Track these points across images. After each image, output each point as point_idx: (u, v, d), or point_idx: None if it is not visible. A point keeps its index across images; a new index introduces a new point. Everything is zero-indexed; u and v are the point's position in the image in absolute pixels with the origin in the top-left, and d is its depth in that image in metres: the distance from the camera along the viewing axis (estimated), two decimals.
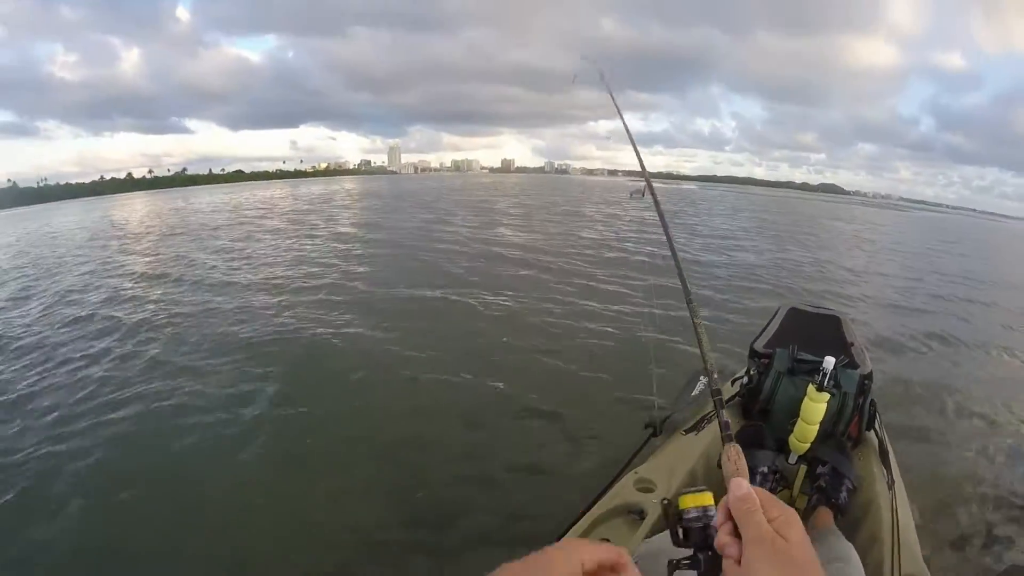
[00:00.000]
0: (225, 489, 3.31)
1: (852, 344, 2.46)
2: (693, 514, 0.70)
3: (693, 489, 0.72)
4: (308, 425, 4.08)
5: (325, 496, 3.23)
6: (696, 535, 0.69)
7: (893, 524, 1.64)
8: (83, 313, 7.32)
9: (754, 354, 2.38)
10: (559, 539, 1.58)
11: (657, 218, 1.54)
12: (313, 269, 10.06)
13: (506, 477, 3.39)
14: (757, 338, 2.53)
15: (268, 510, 3.10)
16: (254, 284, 8.77)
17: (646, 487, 1.79)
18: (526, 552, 0.58)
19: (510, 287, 8.30)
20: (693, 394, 2.36)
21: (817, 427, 1.87)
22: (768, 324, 2.74)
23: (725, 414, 0.88)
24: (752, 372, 2.35)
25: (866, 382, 2.10)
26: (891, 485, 1.87)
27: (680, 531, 0.71)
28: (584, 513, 1.71)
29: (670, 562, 0.74)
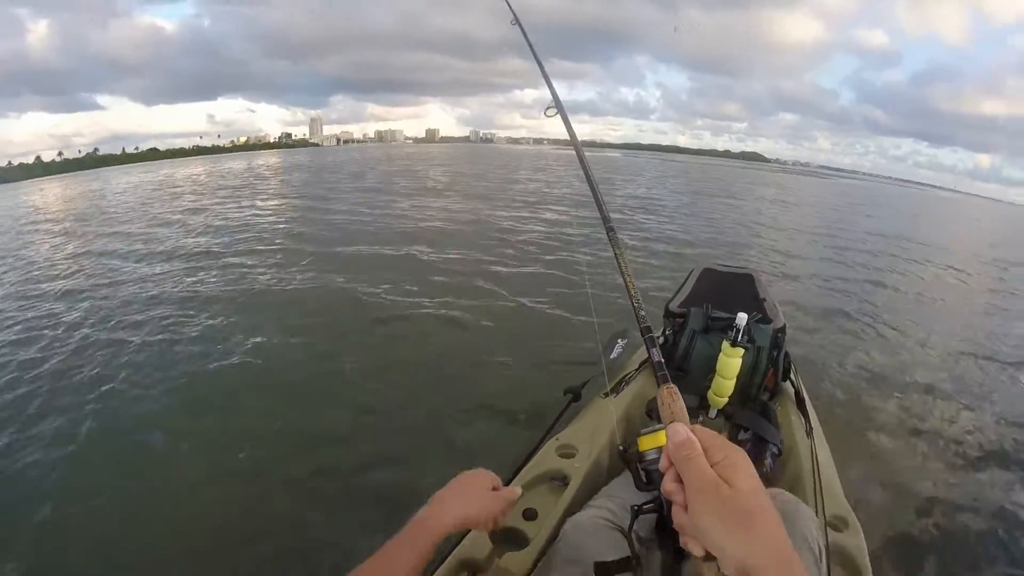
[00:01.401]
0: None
1: (765, 300, 2.48)
2: (652, 455, 0.68)
3: (649, 430, 0.69)
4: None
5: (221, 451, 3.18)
6: (659, 477, 0.66)
7: (814, 469, 1.67)
8: None
9: (669, 314, 2.36)
10: None
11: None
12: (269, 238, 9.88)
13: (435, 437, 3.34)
14: (672, 299, 2.51)
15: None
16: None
17: (568, 452, 1.76)
18: None
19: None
20: (612, 356, 2.33)
21: (734, 381, 1.90)
22: (683, 285, 2.72)
23: (657, 353, 0.80)
24: (667, 332, 2.34)
25: (779, 335, 2.13)
26: (809, 432, 1.91)
27: (643, 474, 0.70)
28: (508, 482, 1.65)
29: (633, 507, 0.76)
